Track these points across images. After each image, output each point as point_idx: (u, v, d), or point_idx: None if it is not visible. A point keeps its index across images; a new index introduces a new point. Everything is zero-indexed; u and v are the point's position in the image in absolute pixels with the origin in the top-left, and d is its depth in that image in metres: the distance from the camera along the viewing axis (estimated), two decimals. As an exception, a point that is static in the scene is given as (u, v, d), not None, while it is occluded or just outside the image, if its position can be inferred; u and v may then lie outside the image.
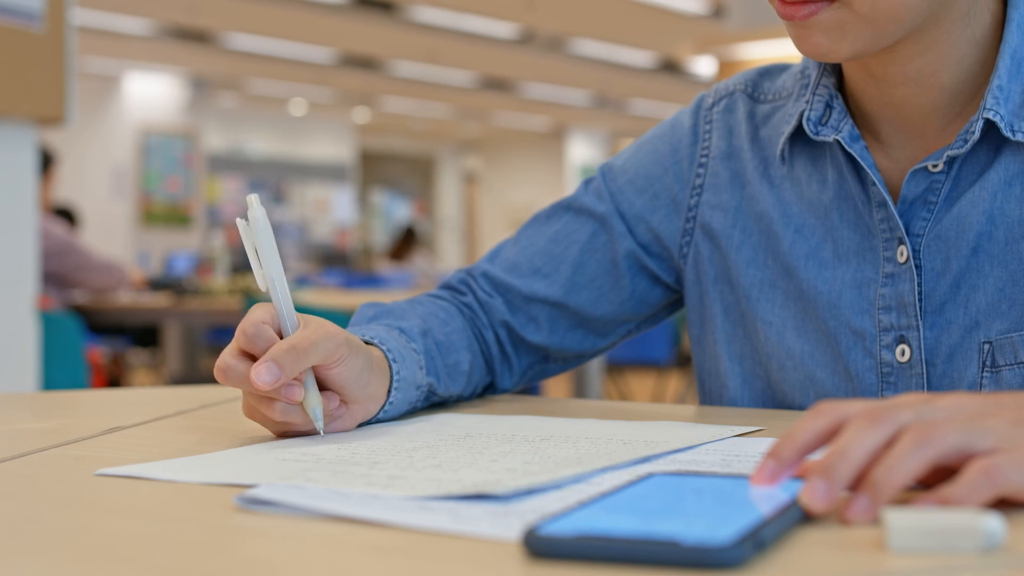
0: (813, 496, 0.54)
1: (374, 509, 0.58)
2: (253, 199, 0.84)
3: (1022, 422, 0.57)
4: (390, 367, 0.92)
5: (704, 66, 10.81)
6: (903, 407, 0.57)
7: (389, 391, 0.91)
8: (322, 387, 0.85)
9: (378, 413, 0.91)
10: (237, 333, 0.83)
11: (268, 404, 0.83)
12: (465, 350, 1.05)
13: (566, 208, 1.13)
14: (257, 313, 0.84)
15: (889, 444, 0.56)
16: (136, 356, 6.04)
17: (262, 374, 0.80)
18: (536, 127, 16.47)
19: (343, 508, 0.58)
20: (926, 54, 0.90)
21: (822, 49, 0.87)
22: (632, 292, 1.10)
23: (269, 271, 0.84)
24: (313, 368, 0.84)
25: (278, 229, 13.52)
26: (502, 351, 1.12)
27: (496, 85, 12.85)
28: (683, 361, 5.48)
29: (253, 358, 0.83)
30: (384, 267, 10.05)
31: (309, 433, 0.86)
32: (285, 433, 0.86)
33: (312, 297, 4.75)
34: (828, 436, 0.58)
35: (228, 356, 0.83)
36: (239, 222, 0.84)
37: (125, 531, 0.57)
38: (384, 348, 0.93)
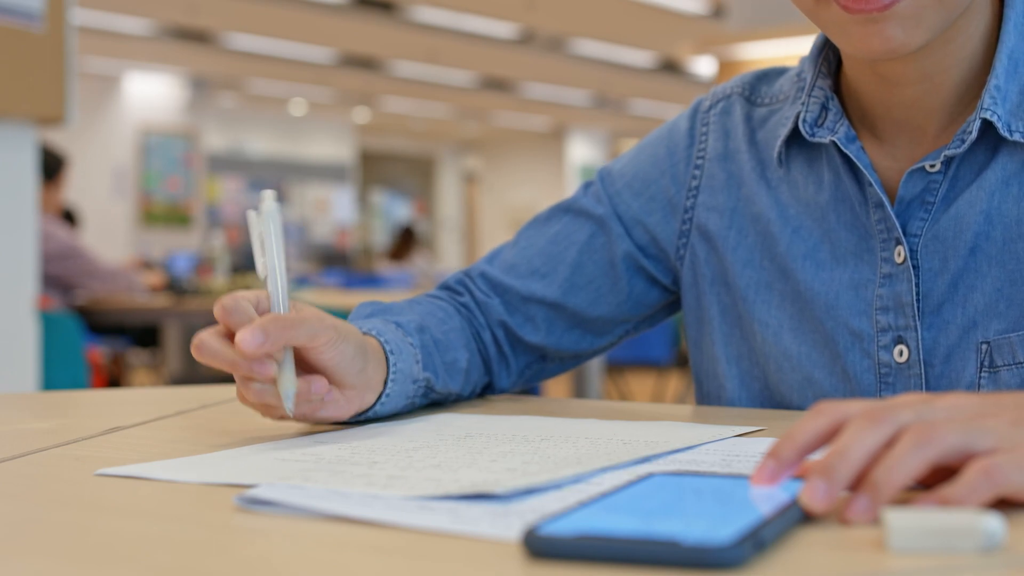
0: (813, 496, 0.54)
1: (374, 509, 0.58)
2: (268, 194, 0.84)
3: (1022, 422, 0.57)
4: (387, 358, 0.92)
5: (704, 66, 10.81)
6: (903, 407, 0.57)
7: (386, 383, 0.91)
8: (314, 371, 0.85)
9: (375, 405, 0.91)
10: (215, 308, 0.83)
11: (245, 384, 0.82)
12: (463, 349, 1.05)
13: (565, 210, 1.13)
14: (237, 291, 0.84)
15: (889, 444, 0.56)
16: (136, 356, 6.03)
17: (246, 338, 0.79)
18: (536, 127, 16.48)
19: (343, 508, 0.58)
20: (944, 47, 0.90)
21: (895, 43, 0.84)
22: (630, 293, 1.10)
23: (271, 259, 0.84)
24: (303, 351, 0.84)
25: (278, 229, 13.51)
26: (500, 351, 1.12)
27: (496, 85, 12.85)
28: (683, 361, 5.47)
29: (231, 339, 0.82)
30: (384, 267, 10.05)
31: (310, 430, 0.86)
32: (284, 419, 0.85)
33: (312, 297, 4.76)
34: (828, 436, 0.58)
35: (204, 333, 0.82)
36: (249, 213, 0.84)
37: (125, 531, 0.57)
38: (381, 339, 0.93)
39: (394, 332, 0.96)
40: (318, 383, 0.84)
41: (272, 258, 0.84)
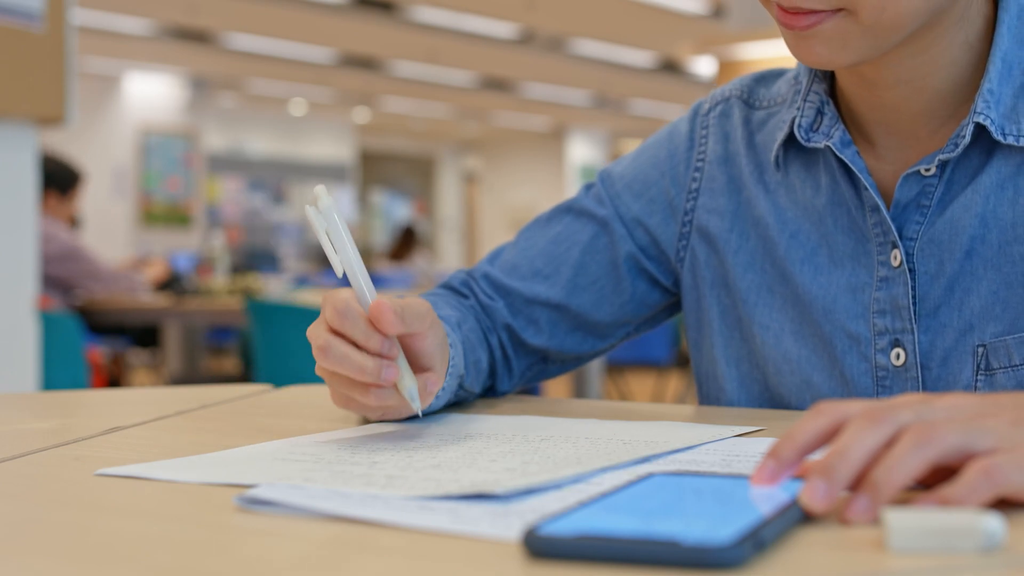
0: (813, 496, 0.54)
1: (374, 509, 0.58)
2: (321, 190, 0.82)
3: (1021, 422, 0.57)
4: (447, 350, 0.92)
5: (704, 66, 10.82)
6: (903, 407, 0.57)
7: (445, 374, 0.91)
8: (411, 359, 0.85)
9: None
10: (327, 314, 0.81)
11: (363, 391, 0.81)
12: (481, 350, 1.06)
13: (566, 210, 1.13)
14: (343, 293, 0.82)
15: (889, 444, 0.56)
16: (136, 356, 6.03)
17: (390, 319, 0.78)
18: (536, 127, 16.48)
19: (343, 508, 0.58)
20: (919, 56, 0.90)
21: (822, 59, 0.87)
22: (632, 294, 1.10)
23: (345, 256, 0.82)
24: (407, 339, 0.83)
25: (278, 229, 13.53)
26: (504, 354, 1.12)
27: (496, 85, 12.85)
28: (683, 361, 5.48)
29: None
30: (384, 267, 10.07)
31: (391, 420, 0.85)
32: (383, 418, 0.85)
33: (313, 297, 4.75)
34: (828, 436, 0.58)
35: (328, 336, 0.80)
36: (308, 209, 0.82)
37: (125, 531, 0.57)
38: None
39: (446, 325, 0.96)
40: (431, 380, 0.84)
41: (346, 254, 0.82)
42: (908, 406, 0.58)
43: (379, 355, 0.80)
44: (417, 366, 0.85)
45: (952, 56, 0.90)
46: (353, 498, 0.60)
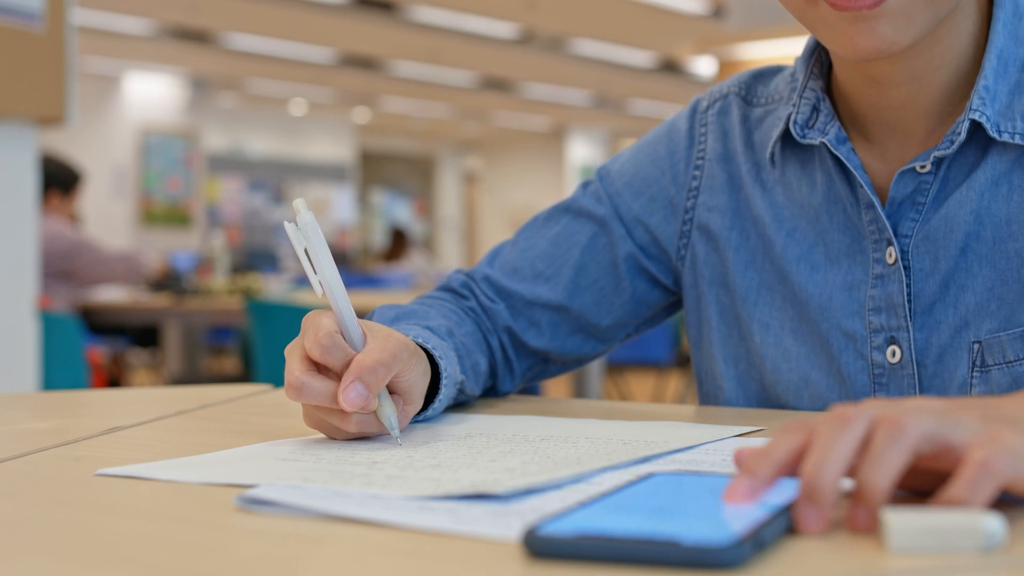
0: (808, 524, 0.52)
1: (374, 509, 0.58)
2: (300, 203, 0.81)
3: (990, 418, 0.56)
4: (437, 364, 0.92)
5: (704, 66, 10.81)
6: (869, 407, 0.56)
7: (439, 388, 0.91)
8: (393, 393, 0.84)
9: (427, 410, 0.91)
10: (308, 344, 0.80)
11: (342, 416, 0.81)
12: (480, 353, 1.06)
13: (565, 210, 1.13)
14: (325, 322, 0.81)
15: (864, 445, 0.55)
16: (136, 356, 6.03)
17: (353, 399, 0.78)
18: (536, 127, 16.48)
19: (343, 508, 0.58)
20: (932, 48, 0.90)
21: (886, 41, 0.84)
22: (632, 294, 1.10)
23: (325, 276, 0.81)
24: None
25: (278, 229, 13.52)
26: (505, 356, 1.12)
27: (496, 85, 12.85)
28: (683, 361, 5.48)
29: (320, 368, 0.81)
30: (379, 268, 10.12)
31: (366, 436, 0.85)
32: (355, 436, 0.84)
33: (312, 297, 4.76)
34: (802, 451, 0.56)
35: (299, 372, 0.80)
36: (287, 226, 0.81)
37: (125, 531, 0.57)
38: (428, 346, 0.92)
39: (435, 338, 0.96)
40: (409, 409, 0.84)
41: (325, 273, 0.81)
42: (874, 407, 0.56)
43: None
44: (396, 394, 0.84)
45: (959, 47, 0.91)
46: (353, 498, 0.60)
